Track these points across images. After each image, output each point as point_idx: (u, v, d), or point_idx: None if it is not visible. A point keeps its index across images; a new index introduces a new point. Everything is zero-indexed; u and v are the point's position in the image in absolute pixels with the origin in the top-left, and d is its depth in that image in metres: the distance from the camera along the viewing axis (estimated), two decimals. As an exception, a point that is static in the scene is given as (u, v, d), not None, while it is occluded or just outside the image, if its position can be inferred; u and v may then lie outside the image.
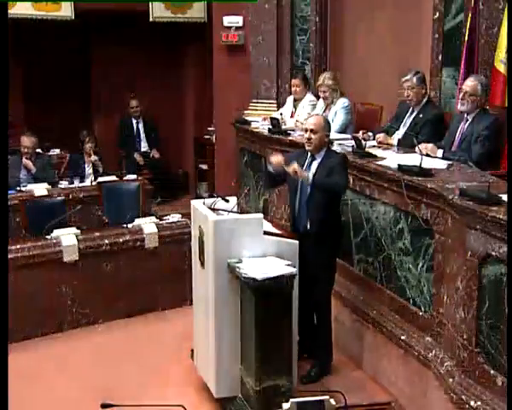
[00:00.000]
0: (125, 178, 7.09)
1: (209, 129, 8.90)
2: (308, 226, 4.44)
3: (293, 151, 4.83)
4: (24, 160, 6.95)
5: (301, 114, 6.50)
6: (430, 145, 4.77)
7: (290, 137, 5.93)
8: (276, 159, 4.49)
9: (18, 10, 7.86)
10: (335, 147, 5.27)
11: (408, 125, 5.32)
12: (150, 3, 8.41)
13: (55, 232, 5.49)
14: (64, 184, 6.80)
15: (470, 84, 4.72)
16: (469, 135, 4.71)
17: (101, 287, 5.56)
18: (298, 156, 4.56)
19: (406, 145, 5.07)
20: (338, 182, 4.36)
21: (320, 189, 4.35)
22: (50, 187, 6.59)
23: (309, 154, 4.49)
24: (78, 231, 5.59)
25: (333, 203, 4.48)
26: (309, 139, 4.44)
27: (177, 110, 9.80)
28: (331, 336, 4.68)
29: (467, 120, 4.79)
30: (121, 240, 5.63)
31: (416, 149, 4.53)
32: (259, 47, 7.30)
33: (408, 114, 5.36)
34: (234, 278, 4.05)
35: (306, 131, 4.47)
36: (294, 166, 4.33)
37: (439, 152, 4.72)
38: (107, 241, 5.57)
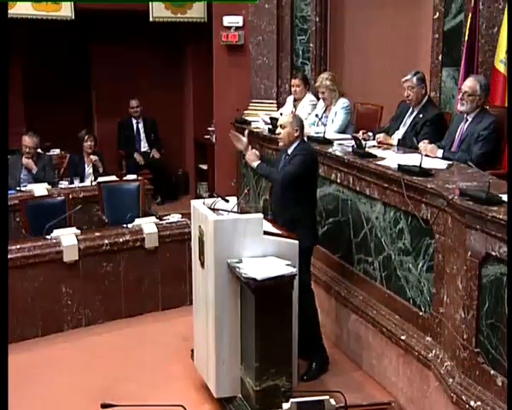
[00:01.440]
0: (125, 178, 7.09)
1: (209, 129, 8.90)
2: (271, 216, 4.63)
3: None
4: (25, 159, 6.95)
5: (301, 114, 6.47)
6: (430, 145, 4.77)
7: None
8: (249, 158, 4.74)
9: (18, 10, 7.86)
10: (335, 147, 5.29)
11: (408, 125, 5.32)
12: (150, 3, 8.41)
13: (55, 232, 5.49)
14: (64, 184, 6.79)
15: (469, 84, 4.72)
16: (469, 135, 4.71)
17: (101, 287, 5.56)
18: (280, 154, 4.79)
19: (406, 145, 5.08)
20: (275, 174, 4.58)
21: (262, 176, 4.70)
22: (50, 187, 6.59)
23: (285, 150, 4.68)
24: (78, 231, 5.59)
25: (294, 197, 4.49)
26: (278, 134, 4.66)
27: (177, 110, 9.81)
28: (317, 333, 4.70)
29: (466, 120, 4.79)
30: (121, 240, 5.63)
31: (421, 145, 4.55)
32: (259, 47, 7.30)
33: (408, 114, 5.35)
34: (234, 278, 4.06)
35: (277, 127, 4.70)
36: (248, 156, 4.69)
37: (439, 152, 4.72)
38: (107, 241, 5.57)
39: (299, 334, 4.50)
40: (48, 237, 5.46)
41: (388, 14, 6.51)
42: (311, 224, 4.69)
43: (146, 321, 5.65)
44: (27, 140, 6.97)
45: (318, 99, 6.38)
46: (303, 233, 4.45)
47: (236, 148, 5.04)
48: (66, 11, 8.05)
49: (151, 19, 8.44)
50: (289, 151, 4.61)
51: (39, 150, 7.30)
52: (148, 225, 5.79)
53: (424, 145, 4.75)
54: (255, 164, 4.65)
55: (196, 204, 4.50)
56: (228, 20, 7.54)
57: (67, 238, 5.44)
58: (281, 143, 4.67)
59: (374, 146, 5.11)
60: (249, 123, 6.94)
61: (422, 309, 4.16)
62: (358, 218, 4.81)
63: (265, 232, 4.17)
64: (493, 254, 3.35)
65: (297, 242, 4.22)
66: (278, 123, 4.71)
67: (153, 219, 5.96)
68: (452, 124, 5.02)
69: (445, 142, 4.90)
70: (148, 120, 9.26)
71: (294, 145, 4.60)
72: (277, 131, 4.67)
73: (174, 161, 9.74)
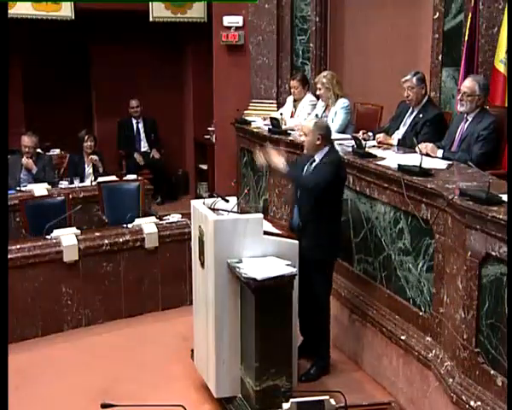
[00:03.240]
0: (125, 178, 7.09)
1: (209, 129, 8.91)
2: (300, 224, 4.51)
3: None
4: (25, 160, 6.94)
5: (301, 114, 6.51)
6: (430, 145, 4.77)
7: (290, 137, 5.93)
8: (260, 159, 4.66)
9: (18, 10, 7.86)
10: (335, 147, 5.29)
11: (408, 125, 5.32)
12: (150, 3, 8.41)
13: (55, 232, 5.48)
14: (64, 184, 6.79)
15: (468, 84, 4.71)
16: (469, 135, 4.71)
17: (101, 287, 5.56)
18: (305, 159, 4.67)
19: (406, 145, 5.08)
20: (302, 177, 4.51)
21: (293, 182, 4.61)
22: (50, 187, 6.59)
23: (311, 156, 4.58)
24: (78, 231, 5.59)
25: (323, 202, 4.42)
26: (302, 142, 4.60)
27: (177, 110, 9.81)
28: (329, 336, 4.71)
29: (466, 120, 4.79)
30: (121, 240, 5.63)
31: (416, 148, 4.53)
32: (259, 47, 7.30)
33: (408, 114, 5.35)
34: (234, 278, 4.06)
35: (301, 134, 4.65)
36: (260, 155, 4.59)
37: (439, 152, 4.72)
38: (107, 241, 5.57)
39: (306, 332, 4.55)
40: (48, 237, 5.46)
41: (388, 14, 6.51)
42: (339, 235, 4.67)
43: (146, 321, 5.65)
44: (26, 140, 6.96)
45: (318, 99, 6.38)
46: (334, 242, 4.56)
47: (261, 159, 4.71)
48: (66, 11, 8.05)
49: (151, 19, 8.44)
50: (317, 158, 4.52)
51: (39, 150, 7.30)
52: (148, 225, 5.78)
53: (424, 145, 4.75)
54: (284, 169, 4.48)
55: (196, 204, 4.50)
56: (228, 20, 7.54)
57: (67, 238, 5.44)
58: (304, 151, 4.63)
59: (374, 146, 5.11)
60: (249, 123, 6.94)
61: (422, 309, 4.16)
62: (358, 218, 4.81)
63: (265, 232, 4.17)
64: (493, 254, 3.35)
65: (297, 242, 4.22)
66: (302, 129, 4.65)
67: (153, 219, 5.96)
68: (452, 124, 5.02)
69: (445, 142, 4.90)
70: (148, 120, 9.26)
71: (324, 153, 4.50)
72: (302, 139, 4.62)
73: (174, 161, 9.73)
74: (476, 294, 3.49)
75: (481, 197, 3.43)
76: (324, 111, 6.17)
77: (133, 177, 7.09)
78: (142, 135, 9.24)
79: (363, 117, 6.30)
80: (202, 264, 4.30)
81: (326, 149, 4.51)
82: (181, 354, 4.94)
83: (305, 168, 4.59)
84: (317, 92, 6.19)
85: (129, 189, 6.61)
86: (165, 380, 4.66)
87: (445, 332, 3.89)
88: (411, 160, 4.37)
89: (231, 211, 4.30)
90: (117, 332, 5.46)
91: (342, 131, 5.94)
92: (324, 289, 4.62)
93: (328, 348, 4.72)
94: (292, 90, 6.68)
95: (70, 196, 6.23)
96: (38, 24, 8.12)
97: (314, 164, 4.53)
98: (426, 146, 4.74)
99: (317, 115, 6.12)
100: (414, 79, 5.21)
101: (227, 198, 4.48)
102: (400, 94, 5.36)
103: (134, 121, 9.19)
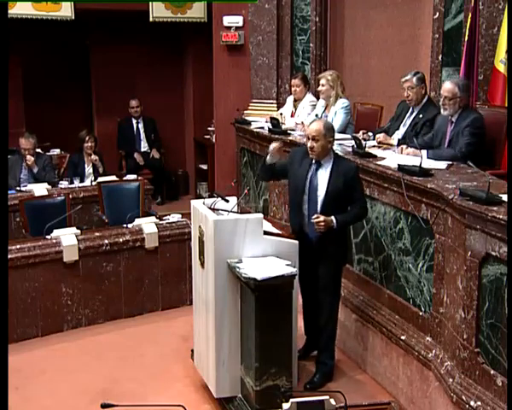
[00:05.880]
0: (125, 178, 7.09)
1: (209, 129, 8.92)
2: (318, 234, 4.32)
3: (297, 148, 4.78)
4: (27, 157, 6.90)
5: (301, 114, 6.51)
6: (411, 149, 4.74)
7: (290, 137, 5.94)
8: (275, 145, 4.52)
9: (18, 10, 7.86)
10: (335, 147, 5.28)
11: (408, 125, 5.33)
12: (150, 3, 8.41)
13: (55, 232, 5.48)
14: (64, 184, 6.78)
15: (448, 88, 4.72)
16: (455, 135, 4.71)
17: (101, 287, 5.56)
18: (302, 157, 4.44)
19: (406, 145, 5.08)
20: (359, 212, 4.39)
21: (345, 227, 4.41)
22: (50, 187, 6.59)
23: (313, 160, 4.36)
24: (78, 231, 5.59)
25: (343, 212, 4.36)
26: (311, 148, 4.30)
27: (177, 110, 9.81)
28: (334, 343, 4.64)
29: (452, 122, 4.79)
30: (121, 240, 5.63)
31: (396, 149, 4.51)
32: (259, 47, 7.31)
33: (408, 114, 5.36)
34: (234, 278, 4.06)
35: (308, 139, 4.34)
36: (320, 221, 4.24)
37: (424, 152, 4.62)
38: (107, 241, 5.57)
39: (313, 335, 4.58)
40: (48, 237, 5.46)
41: (388, 14, 6.52)
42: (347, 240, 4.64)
43: (146, 321, 5.65)
44: (24, 142, 6.93)
45: (318, 99, 6.38)
46: (344, 251, 4.55)
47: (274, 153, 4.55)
48: (66, 11, 8.04)
49: (151, 19, 8.43)
50: (325, 164, 4.32)
51: (38, 150, 7.29)
52: (148, 225, 5.78)
53: (406, 150, 4.74)
54: (335, 223, 4.26)
55: (196, 204, 4.50)
56: (228, 20, 7.54)
57: (67, 238, 5.44)
58: (313, 156, 4.32)
59: (374, 146, 5.11)
60: (249, 123, 6.95)
61: (422, 309, 4.16)
62: (358, 218, 4.80)
63: (265, 232, 4.17)
64: (493, 254, 3.35)
65: (297, 242, 4.22)
66: (309, 133, 4.31)
67: (153, 219, 5.96)
68: (437, 125, 4.98)
69: (431, 142, 4.90)
70: (148, 120, 9.26)
71: (331, 158, 4.33)
72: (310, 145, 4.28)
73: (174, 161, 9.74)
74: (476, 294, 3.49)
75: (481, 197, 3.43)
76: (324, 111, 6.17)
77: (133, 177, 7.09)
78: (142, 135, 9.24)
79: (363, 117, 6.30)
80: (202, 264, 4.30)
81: (332, 154, 4.36)
82: (181, 354, 4.94)
83: (310, 173, 4.34)
84: (319, 88, 6.15)
85: (129, 189, 6.61)
86: (165, 380, 4.66)
87: (445, 332, 3.89)
88: (411, 160, 4.37)
89: (231, 211, 4.30)
90: (117, 332, 5.46)
91: (342, 131, 5.95)
92: (336, 298, 4.56)
93: (332, 355, 4.63)
94: (293, 89, 6.67)
95: (70, 196, 6.22)
96: (38, 24, 8.12)
97: (324, 171, 4.32)
98: (408, 151, 4.73)
99: (316, 115, 6.13)
100: (414, 79, 5.22)
101: (227, 198, 4.47)
102: (400, 94, 5.37)
103: (134, 121, 9.19)
